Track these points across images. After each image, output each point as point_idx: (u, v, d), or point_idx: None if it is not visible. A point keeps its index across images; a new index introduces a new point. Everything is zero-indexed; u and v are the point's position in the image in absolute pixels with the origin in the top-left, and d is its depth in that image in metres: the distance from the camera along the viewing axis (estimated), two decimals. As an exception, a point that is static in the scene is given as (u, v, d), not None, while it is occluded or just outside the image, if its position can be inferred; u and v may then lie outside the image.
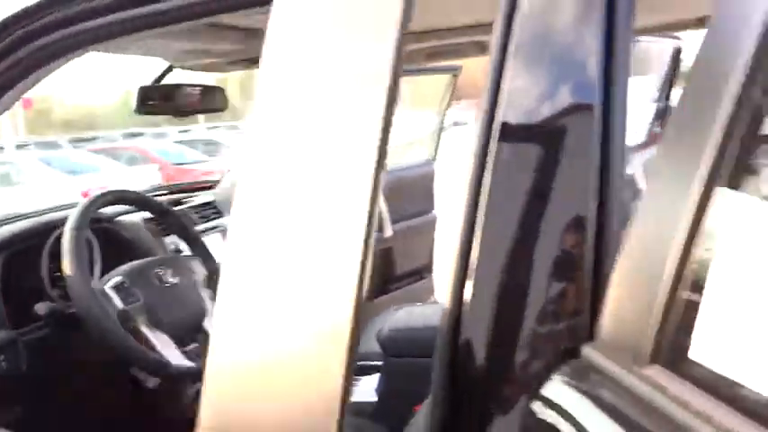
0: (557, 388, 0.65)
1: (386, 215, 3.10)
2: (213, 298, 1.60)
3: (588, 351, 0.65)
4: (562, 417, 0.63)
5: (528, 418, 0.66)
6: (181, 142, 15.33)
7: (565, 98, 0.72)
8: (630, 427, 0.57)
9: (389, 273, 3.07)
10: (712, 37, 0.56)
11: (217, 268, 1.72)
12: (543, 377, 0.67)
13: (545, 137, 0.73)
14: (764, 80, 0.51)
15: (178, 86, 2.03)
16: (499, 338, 0.71)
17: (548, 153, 0.73)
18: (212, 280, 1.63)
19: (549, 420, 0.64)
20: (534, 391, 0.66)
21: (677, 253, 0.55)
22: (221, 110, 2.22)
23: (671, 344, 0.55)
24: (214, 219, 2.08)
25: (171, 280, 1.46)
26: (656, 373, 0.56)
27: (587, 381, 0.63)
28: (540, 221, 0.72)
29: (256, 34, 1.75)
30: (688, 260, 0.54)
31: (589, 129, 0.70)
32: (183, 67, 2.07)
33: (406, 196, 3.24)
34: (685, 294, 0.55)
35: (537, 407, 0.66)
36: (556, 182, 0.71)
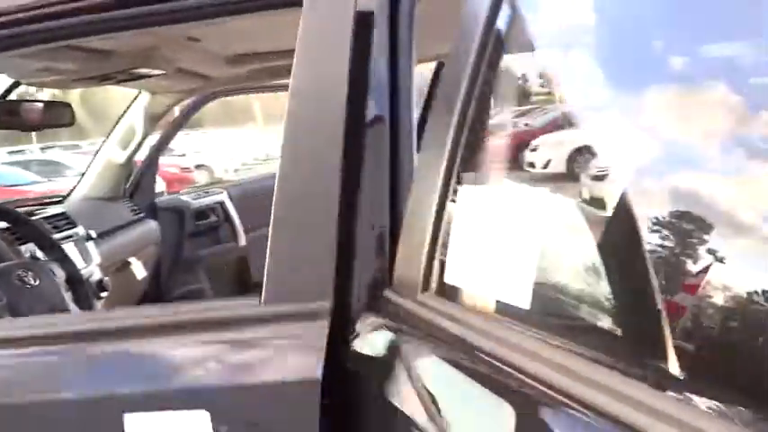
0: (368, 320, 0.89)
1: (239, 226, 3.26)
2: (74, 299, 1.69)
3: (387, 293, 0.89)
4: (371, 338, 0.88)
5: (351, 342, 0.90)
6: (12, 163, 14.24)
7: (370, 109, 0.98)
8: (413, 337, 0.81)
9: (246, 280, 3.21)
10: (448, 68, 0.83)
11: (76, 272, 1.81)
12: (361, 314, 0.92)
13: (356, 141, 0.98)
14: (481, 103, 0.78)
15: (22, 102, 2.08)
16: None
17: (360, 153, 0.98)
18: (72, 282, 1.72)
19: (361, 341, 0.88)
20: (355, 324, 0.91)
21: (432, 219, 0.80)
22: (68, 125, 2.28)
23: (433, 277, 0.81)
24: (67, 229, 2.14)
25: (33, 282, 1.53)
26: (427, 296, 0.81)
27: (385, 312, 0.88)
28: (360, 207, 0.97)
29: (101, 55, 1.86)
30: (440, 224, 0.81)
31: (383, 134, 0.96)
32: (28, 84, 2.12)
33: (259, 207, 3.40)
34: (439, 244, 0.81)
35: (355, 336, 0.90)
36: (365, 176, 0.97)
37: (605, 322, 0.64)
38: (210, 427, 0.87)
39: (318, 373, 0.86)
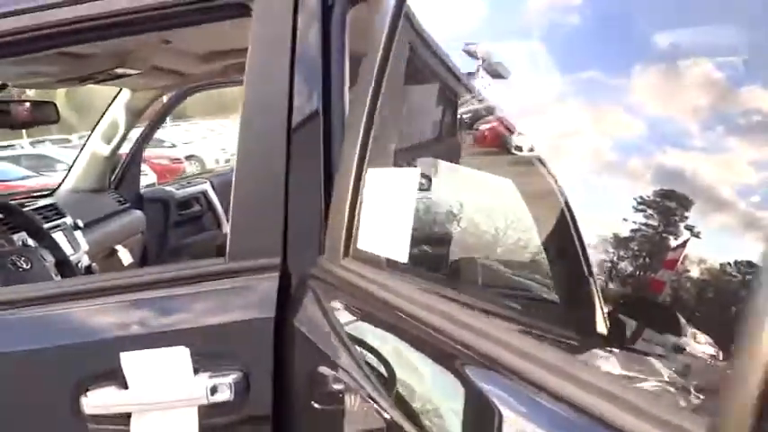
0: (311, 284, 1.07)
1: (221, 214, 3.43)
2: (63, 281, 1.87)
3: (320, 259, 1.07)
4: (312, 294, 1.06)
5: (292, 300, 1.08)
6: (3, 158, 14.31)
7: (309, 104, 1.15)
8: (337, 294, 0.99)
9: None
10: (361, 69, 1.00)
11: (65, 257, 1.98)
12: (305, 277, 1.10)
13: (297, 133, 1.15)
14: (386, 98, 0.96)
15: (9, 102, 2.24)
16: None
17: (300, 145, 1.16)
18: (61, 267, 1.89)
19: (301, 296, 1.07)
20: (296, 285, 1.09)
21: (350, 198, 0.98)
22: (54, 122, 2.45)
23: (351, 244, 0.99)
24: (56, 219, 2.31)
25: (25, 266, 1.70)
26: (348, 261, 0.99)
27: (319, 276, 1.06)
28: (300, 189, 1.15)
29: (82, 58, 2.02)
30: (356, 202, 0.98)
31: (317, 126, 1.13)
32: (15, 86, 2.28)
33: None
34: (353, 218, 0.98)
35: (294, 295, 1.08)
36: (304, 162, 1.14)
37: (481, 276, 0.83)
38: (190, 360, 1.07)
39: (272, 312, 1.08)
